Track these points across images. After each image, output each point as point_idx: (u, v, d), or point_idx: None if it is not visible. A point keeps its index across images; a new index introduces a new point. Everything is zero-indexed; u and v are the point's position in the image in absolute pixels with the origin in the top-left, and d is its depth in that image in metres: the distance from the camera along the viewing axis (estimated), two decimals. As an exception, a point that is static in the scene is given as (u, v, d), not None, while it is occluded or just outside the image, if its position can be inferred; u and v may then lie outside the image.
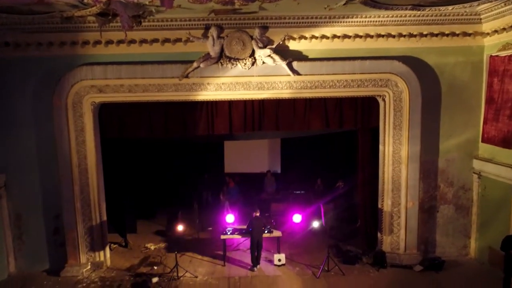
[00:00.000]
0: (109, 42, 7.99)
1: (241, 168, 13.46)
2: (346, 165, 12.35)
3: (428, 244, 9.06)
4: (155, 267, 8.69)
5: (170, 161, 12.96)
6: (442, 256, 8.93)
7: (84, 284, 8.14)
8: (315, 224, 9.65)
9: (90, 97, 8.26)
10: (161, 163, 12.80)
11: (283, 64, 8.10)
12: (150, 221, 11.91)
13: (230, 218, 10.87)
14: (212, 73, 8.20)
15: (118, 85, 8.20)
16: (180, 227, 8.62)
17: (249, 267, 8.66)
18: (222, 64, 8.13)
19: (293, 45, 8.24)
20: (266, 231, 8.92)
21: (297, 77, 8.24)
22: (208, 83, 8.26)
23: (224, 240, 9.04)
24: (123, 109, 8.60)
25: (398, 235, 8.83)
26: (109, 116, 8.72)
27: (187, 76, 8.16)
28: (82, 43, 8.00)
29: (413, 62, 8.35)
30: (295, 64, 8.20)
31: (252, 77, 8.23)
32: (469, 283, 7.95)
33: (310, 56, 8.30)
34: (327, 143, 12.89)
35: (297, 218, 9.97)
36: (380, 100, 8.59)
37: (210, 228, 11.34)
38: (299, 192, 12.93)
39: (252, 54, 8.10)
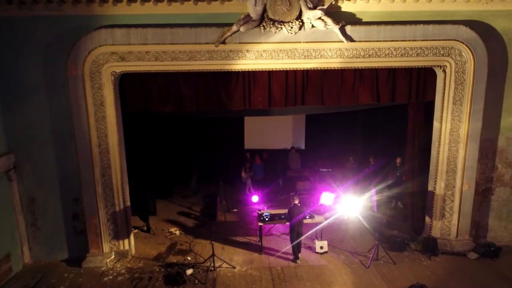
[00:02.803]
0: (132, 1, 6.79)
1: (262, 144, 12.54)
2: (374, 142, 11.56)
3: (480, 228, 8.40)
4: (189, 258, 7.87)
5: (185, 137, 11.97)
6: (493, 241, 8.30)
7: (111, 277, 7.33)
8: (354, 208, 8.79)
9: (110, 65, 7.12)
10: (177, 138, 11.81)
11: (335, 29, 7.00)
12: (169, 201, 11.09)
13: (255, 198, 10.14)
14: (252, 39, 7.09)
15: (143, 52, 7.06)
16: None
17: (289, 256, 7.89)
18: (264, 28, 7.01)
19: (346, 5, 7.11)
20: (307, 217, 8.11)
21: (349, 44, 7.17)
22: (247, 50, 7.16)
23: (260, 226, 8.23)
24: (148, 79, 7.48)
25: (450, 220, 8.11)
26: (133, 87, 7.59)
27: (224, 42, 7.03)
28: (100, 1, 6.77)
29: (479, 28, 7.32)
30: (348, 28, 7.11)
31: (299, 44, 7.15)
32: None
33: (365, 20, 7.20)
34: (353, 120, 12.02)
35: (328, 198, 9.21)
36: (439, 71, 7.61)
37: (236, 210, 10.54)
38: (325, 170, 12.13)
39: (300, 16, 6.98)
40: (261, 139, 12.57)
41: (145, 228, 9.26)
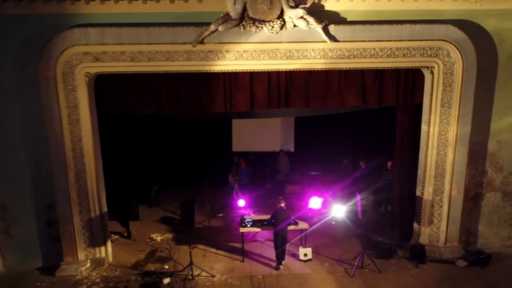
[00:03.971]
0: (105, -2, 6.50)
1: (250, 146, 12.26)
2: (365, 144, 11.33)
3: (470, 235, 8.14)
4: (166, 266, 7.57)
5: (171, 140, 11.66)
6: (483, 247, 8.04)
7: (85, 286, 7.03)
8: (339, 211, 8.60)
9: (84, 66, 6.82)
10: (161, 142, 11.50)
11: (318, 28, 6.73)
12: (154, 206, 10.78)
13: (241, 202, 9.88)
14: (232, 39, 6.80)
15: (118, 52, 6.76)
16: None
17: (272, 263, 7.61)
18: (244, 27, 6.72)
19: (330, 4, 6.84)
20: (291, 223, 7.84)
21: (333, 44, 6.90)
22: (227, 51, 6.87)
23: (242, 232, 7.94)
24: (126, 81, 7.16)
25: (439, 226, 7.86)
26: (110, 89, 7.29)
27: (202, 42, 6.75)
28: (71, -1, 6.49)
29: (468, 28, 7.06)
30: (332, 28, 6.83)
31: (281, 44, 6.87)
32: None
33: (349, 19, 6.93)
34: (343, 122, 11.76)
35: (316, 203, 8.96)
36: (427, 72, 7.34)
37: (221, 215, 10.25)
38: (315, 173, 11.86)
39: (281, 15, 6.70)
40: (249, 141, 12.29)
41: (125, 234, 8.96)
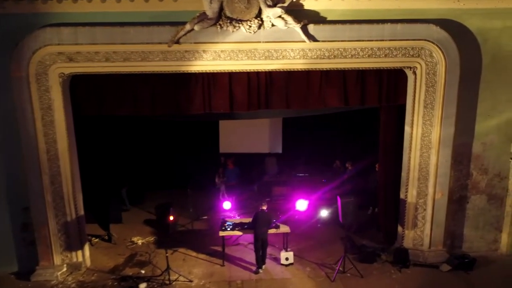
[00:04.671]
0: (78, -3, 6.35)
1: (238, 148, 12.09)
2: (354, 146, 11.17)
3: (455, 238, 7.99)
4: (142, 271, 7.42)
5: (157, 140, 11.50)
6: (469, 251, 7.90)
7: (59, 291, 6.89)
8: (324, 213, 8.50)
9: (57, 67, 6.67)
10: (147, 142, 11.33)
11: (296, 28, 6.58)
12: (139, 208, 10.62)
13: (227, 205, 9.71)
14: (209, 38, 6.65)
15: (92, 53, 6.61)
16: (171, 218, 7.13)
17: (252, 268, 7.47)
18: (221, 27, 6.57)
19: (309, 3, 6.69)
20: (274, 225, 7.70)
21: (313, 44, 6.75)
22: (204, 51, 6.73)
23: (223, 236, 7.79)
24: (102, 81, 7.00)
25: (423, 229, 7.71)
26: (85, 90, 7.14)
27: (178, 42, 6.60)
28: (43, -2, 6.33)
29: (451, 27, 6.91)
30: (311, 27, 6.68)
31: (259, 44, 6.72)
32: (509, 286, 6.92)
33: (329, 18, 6.78)
34: (334, 123, 11.58)
35: (302, 205, 8.83)
36: (409, 73, 7.20)
37: (206, 217, 10.11)
38: (302, 175, 11.70)
39: (259, 15, 6.56)
40: (237, 143, 12.11)
41: (106, 237, 8.80)
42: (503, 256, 7.92)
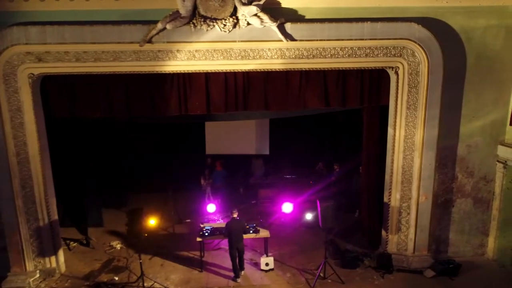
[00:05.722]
0: (46, -6, 6.13)
1: (225, 149, 11.86)
2: (341, 147, 10.98)
3: (440, 243, 7.81)
4: (116, 278, 7.21)
5: (143, 141, 11.31)
6: (455, 256, 7.71)
7: (29, 299, 6.68)
8: (308, 216, 8.30)
9: (26, 67, 6.46)
10: (131, 142, 11.14)
11: (273, 26, 6.37)
12: (121, 211, 10.39)
13: (211, 207, 9.48)
14: (182, 38, 6.44)
15: (62, 52, 6.40)
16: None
17: (232, 274, 7.24)
18: (195, 26, 6.36)
19: (286, 1, 6.48)
20: (251, 231, 7.49)
21: (290, 44, 6.54)
22: (178, 50, 6.51)
23: (200, 241, 7.58)
24: (74, 83, 6.81)
25: (407, 234, 7.51)
26: (57, 91, 6.93)
27: (150, 41, 6.39)
28: (10, -4, 6.11)
29: (434, 26, 6.70)
30: (288, 26, 6.47)
31: (234, 43, 6.51)
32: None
33: (307, 17, 6.56)
34: (321, 123, 11.37)
35: (287, 207, 8.61)
36: (392, 73, 6.98)
37: (188, 220, 9.88)
38: (289, 176, 11.48)
39: (234, 13, 6.35)
40: (223, 144, 11.88)
41: (84, 241, 8.59)
42: (489, 261, 7.73)
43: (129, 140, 10.94)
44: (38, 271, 7.19)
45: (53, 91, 6.90)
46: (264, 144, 11.99)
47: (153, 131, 10.97)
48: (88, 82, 6.84)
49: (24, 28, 6.24)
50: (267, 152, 12.00)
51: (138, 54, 6.49)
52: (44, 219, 7.07)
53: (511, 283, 6.97)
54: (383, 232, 7.72)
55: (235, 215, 7.11)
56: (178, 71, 6.74)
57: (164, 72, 6.71)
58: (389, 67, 6.92)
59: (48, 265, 7.26)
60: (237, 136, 11.85)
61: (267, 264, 7.44)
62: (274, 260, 7.57)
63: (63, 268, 7.51)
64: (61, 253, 7.51)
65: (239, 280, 7.09)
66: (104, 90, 6.95)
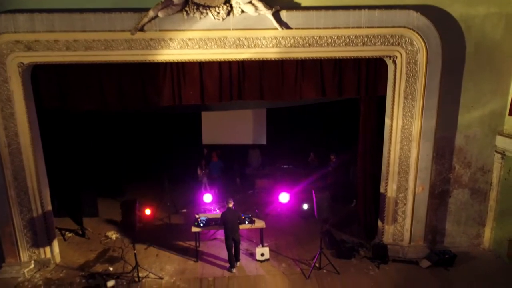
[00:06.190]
0: (34, -19, 5.96)
1: (221, 139, 11.79)
2: (338, 137, 10.87)
3: (437, 233, 7.78)
4: (110, 268, 7.19)
5: (137, 131, 11.19)
6: (451, 246, 7.70)
7: (24, 290, 6.68)
8: (305, 206, 8.30)
9: (15, 56, 6.31)
10: (127, 132, 11.03)
11: (268, 14, 6.20)
12: (118, 201, 10.32)
13: (207, 197, 9.45)
14: (175, 26, 6.28)
15: (52, 41, 6.24)
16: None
17: (227, 264, 7.23)
18: (187, 13, 6.19)
19: (281, -12, 6.30)
20: (246, 222, 7.46)
21: (286, 32, 6.38)
22: (170, 39, 6.36)
23: (195, 232, 7.55)
24: (65, 72, 6.67)
25: (403, 224, 7.48)
26: (48, 81, 6.79)
27: (142, 29, 6.23)
28: (-3, -18, 5.94)
29: (433, 14, 6.53)
30: (283, 14, 6.30)
31: (228, 31, 6.35)
32: (487, 284, 6.70)
33: (303, 4, 6.39)
34: (319, 113, 11.24)
35: (284, 197, 8.58)
36: (389, 62, 6.85)
37: (185, 210, 9.86)
38: (287, 166, 11.43)
39: (228, 0, 6.17)
40: (220, 134, 11.80)
41: (80, 231, 8.57)
42: (485, 252, 7.71)
43: (124, 130, 10.80)
44: (32, 262, 7.17)
45: (44, 81, 6.76)
46: (261, 134, 11.93)
47: (149, 120, 10.83)
48: (79, 72, 6.70)
49: (12, 16, 6.07)
50: (264, 142, 11.94)
51: (130, 42, 6.33)
52: (38, 210, 7.01)
53: (506, 274, 6.95)
54: (379, 223, 7.69)
55: (230, 205, 7.06)
56: (171, 60, 6.60)
57: (156, 61, 6.56)
58: (387, 56, 6.77)
59: (42, 256, 7.24)
60: (234, 126, 11.78)
61: (262, 255, 7.43)
62: (270, 250, 7.56)
63: (58, 258, 7.49)
64: (55, 244, 7.48)
65: (234, 270, 7.07)
66: (96, 80, 6.81)
